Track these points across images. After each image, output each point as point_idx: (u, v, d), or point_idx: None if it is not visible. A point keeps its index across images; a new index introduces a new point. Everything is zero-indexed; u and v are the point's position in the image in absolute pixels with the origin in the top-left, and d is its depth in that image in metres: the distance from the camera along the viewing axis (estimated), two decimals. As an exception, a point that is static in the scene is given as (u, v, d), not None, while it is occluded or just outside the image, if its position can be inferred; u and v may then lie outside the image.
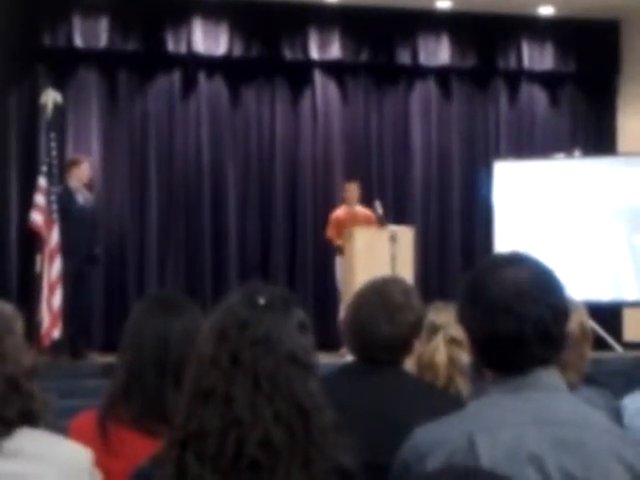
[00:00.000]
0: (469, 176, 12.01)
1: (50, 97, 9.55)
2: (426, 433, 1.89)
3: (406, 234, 9.87)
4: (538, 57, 12.09)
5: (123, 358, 2.59)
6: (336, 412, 1.78)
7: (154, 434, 2.27)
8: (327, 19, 11.42)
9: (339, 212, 10.60)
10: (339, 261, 10.31)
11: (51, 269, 9.02)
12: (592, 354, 3.27)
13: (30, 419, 2.12)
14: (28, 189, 9.84)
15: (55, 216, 9.15)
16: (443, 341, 3.13)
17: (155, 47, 11.08)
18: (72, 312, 9.26)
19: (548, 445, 1.79)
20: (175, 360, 2.47)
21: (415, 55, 11.77)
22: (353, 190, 10.59)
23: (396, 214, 11.13)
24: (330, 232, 10.51)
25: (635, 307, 11.13)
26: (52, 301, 8.97)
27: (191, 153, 11.36)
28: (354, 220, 10.27)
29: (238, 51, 11.32)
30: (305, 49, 11.47)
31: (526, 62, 12.06)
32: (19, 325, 2.27)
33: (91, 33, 10.79)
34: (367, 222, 10.22)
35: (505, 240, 10.74)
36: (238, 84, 11.55)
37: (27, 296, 9.35)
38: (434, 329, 3.15)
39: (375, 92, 11.93)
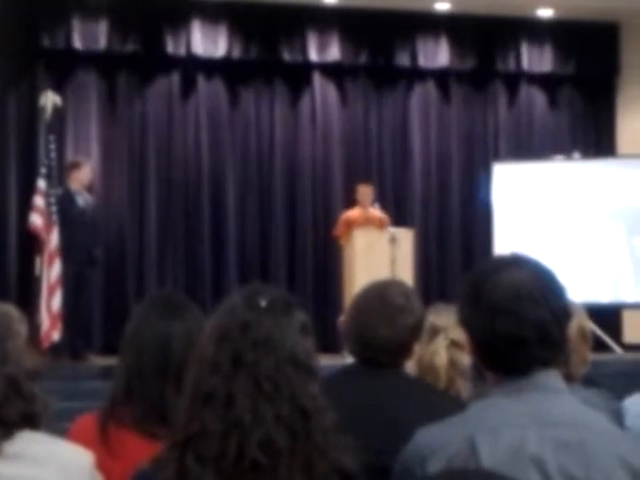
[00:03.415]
0: (468, 178, 12.00)
1: (49, 99, 9.54)
2: (427, 435, 1.89)
3: (406, 236, 9.87)
4: (537, 59, 12.09)
5: (124, 360, 2.57)
6: (336, 414, 1.78)
7: (155, 436, 2.27)
8: (326, 21, 11.42)
9: (352, 213, 10.49)
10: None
11: (50, 271, 9.01)
12: (592, 356, 3.27)
13: (31, 421, 2.11)
14: (27, 191, 9.83)
15: (54, 218, 9.14)
16: (443, 343, 3.12)
17: (154, 49, 11.08)
18: (72, 314, 9.26)
19: (549, 447, 1.78)
20: (176, 362, 2.45)
21: (414, 57, 11.76)
22: (365, 192, 10.51)
23: (396, 216, 11.11)
24: (339, 230, 10.44)
25: (635, 309, 11.13)
26: (52, 303, 8.96)
27: (190, 155, 11.35)
28: (369, 222, 10.22)
29: (237, 53, 11.32)
30: (304, 51, 11.47)
31: (525, 64, 12.06)
32: (24, 328, 2.27)
33: (90, 35, 10.80)
34: (381, 225, 10.17)
35: (505, 242, 10.74)
36: (237, 86, 11.55)
37: (26, 298, 9.31)
38: (434, 331, 3.14)
39: (374, 94, 11.93)
